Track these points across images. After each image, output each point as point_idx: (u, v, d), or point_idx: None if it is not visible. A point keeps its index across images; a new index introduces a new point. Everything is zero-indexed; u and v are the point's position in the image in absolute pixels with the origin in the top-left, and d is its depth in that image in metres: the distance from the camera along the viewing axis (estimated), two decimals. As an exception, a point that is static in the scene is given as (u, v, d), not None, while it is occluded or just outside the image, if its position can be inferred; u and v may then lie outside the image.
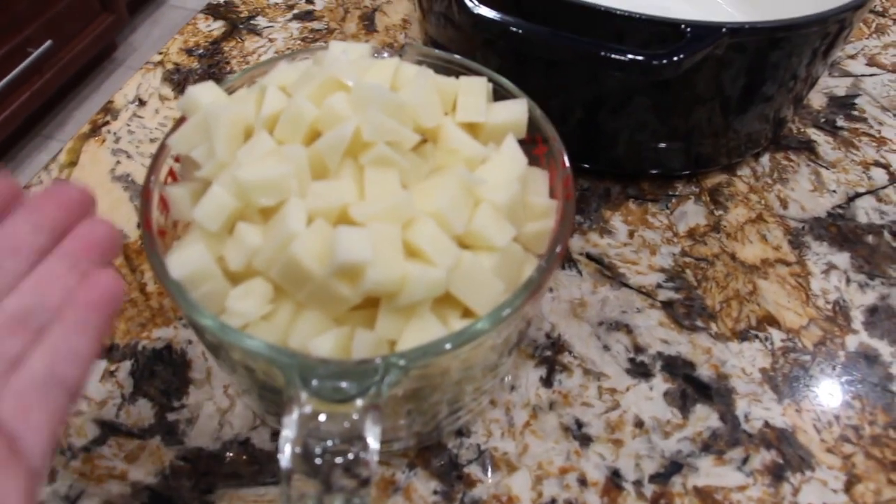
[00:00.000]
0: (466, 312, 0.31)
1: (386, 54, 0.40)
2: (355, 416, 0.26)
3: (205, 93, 0.36)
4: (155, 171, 0.35)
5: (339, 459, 0.26)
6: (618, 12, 0.44)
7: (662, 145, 0.53)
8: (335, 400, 0.27)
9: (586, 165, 0.55)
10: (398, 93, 0.34)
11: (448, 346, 0.28)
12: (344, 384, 0.27)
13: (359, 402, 0.26)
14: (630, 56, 0.41)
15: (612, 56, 0.42)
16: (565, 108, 0.52)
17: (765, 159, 0.58)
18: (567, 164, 0.35)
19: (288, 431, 0.26)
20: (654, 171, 0.55)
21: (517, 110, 0.37)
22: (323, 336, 0.29)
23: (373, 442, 0.26)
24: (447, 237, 0.30)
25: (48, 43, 1.76)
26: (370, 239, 0.28)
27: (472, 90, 0.37)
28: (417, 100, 0.33)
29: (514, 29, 0.44)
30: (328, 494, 0.26)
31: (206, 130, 0.34)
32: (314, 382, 0.27)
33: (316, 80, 0.34)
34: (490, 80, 0.38)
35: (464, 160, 0.34)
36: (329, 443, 0.26)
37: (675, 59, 0.41)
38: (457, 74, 0.38)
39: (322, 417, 0.26)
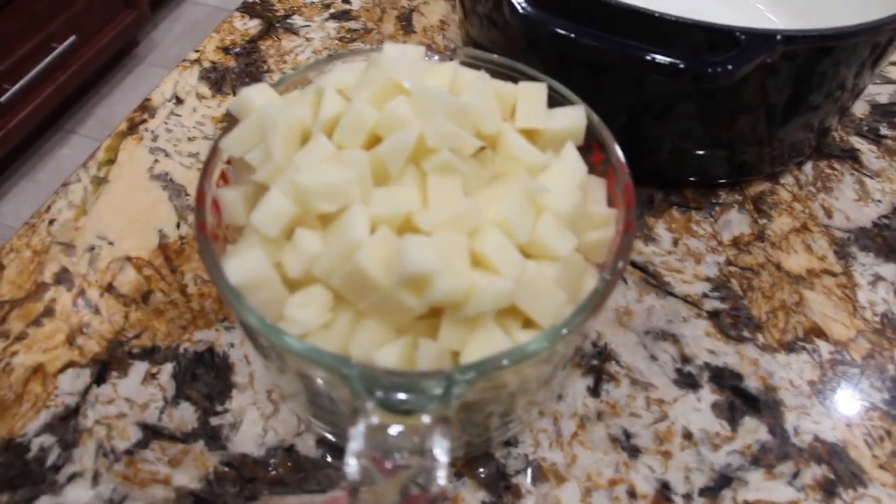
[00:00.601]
0: (527, 323, 0.31)
1: (437, 57, 0.39)
2: (423, 429, 0.26)
3: (259, 95, 0.36)
4: (208, 175, 0.35)
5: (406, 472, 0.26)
6: (669, 17, 0.43)
7: (706, 152, 0.52)
8: (401, 411, 0.26)
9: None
10: (459, 98, 0.33)
11: (512, 358, 0.27)
12: (411, 396, 0.26)
13: (426, 416, 0.26)
14: (684, 63, 0.41)
15: (666, 62, 0.41)
16: (608, 114, 0.51)
17: (808, 168, 0.57)
18: (627, 171, 0.35)
19: (355, 444, 0.26)
20: (697, 179, 0.55)
21: (576, 117, 0.37)
22: (387, 347, 0.29)
23: (441, 455, 0.26)
24: (513, 246, 0.30)
25: (72, 38, 1.77)
26: (438, 248, 0.28)
27: (532, 96, 0.36)
28: (478, 105, 0.33)
29: (565, 32, 0.43)
30: None
31: (261, 133, 0.34)
32: (379, 394, 0.26)
33: (376, 84, 0.34)
34: (547, 85, 0.38)
35: (525, 167, 0.33)
36: (397, 456, 0.26)
37: (730, 67, 0.41)
38: (511, 79, 0.38)
39: (391, 430, 0.26)
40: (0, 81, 1.63)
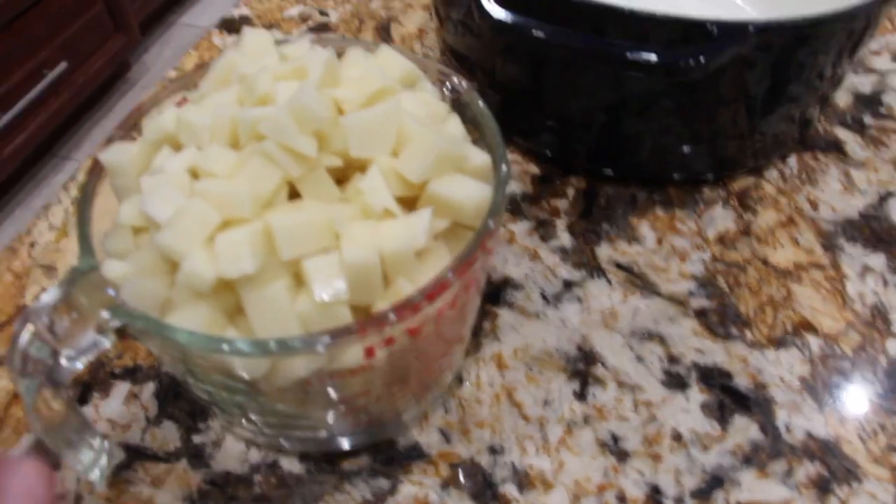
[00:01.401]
0: None
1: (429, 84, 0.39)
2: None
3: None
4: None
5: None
6: (639, 13, 0.43)
7: (687, 149, 0.52)
8: None
9: (609, 171, 0.54)
10: (333, 110, 0.33)
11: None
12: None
13: None
14: (656, 57, 0.40)
15: (638, 58, 0.41)
16: (587, 113, 0.51)
17: (792, 160, 0.56)
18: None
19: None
20: (680, 176, 0.54)
21: (475, 195, 0.33)
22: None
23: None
24: (252, 245, 0.29)
25: (63, 64, 1.77)
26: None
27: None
28: (357, 125, 0.32)
29: (536, 32, 0.43)
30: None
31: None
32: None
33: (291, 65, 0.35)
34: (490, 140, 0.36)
35: (362, 205, 0.32)
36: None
37: (703, 59, 0.40)
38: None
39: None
40: (-8, 110, 1.63)
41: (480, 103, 0.37)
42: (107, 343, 0.30)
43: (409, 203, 0.33)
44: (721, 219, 0.52)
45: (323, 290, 0.29)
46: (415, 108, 0.35)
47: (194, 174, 0.33)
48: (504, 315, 0.46)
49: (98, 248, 0.33)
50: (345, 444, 0.40)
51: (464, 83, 0.38)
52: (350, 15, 0.70)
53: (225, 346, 0.28)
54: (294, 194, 0.32)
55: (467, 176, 0.33)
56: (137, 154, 0.35)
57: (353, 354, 0.31)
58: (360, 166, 0.33)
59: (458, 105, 0.38)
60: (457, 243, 0.33)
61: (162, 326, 0.29)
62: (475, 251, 0.31)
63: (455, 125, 0.37)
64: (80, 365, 0.30)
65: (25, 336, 0.29)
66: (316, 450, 0.41)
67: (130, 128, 0.38)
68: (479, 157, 0.34)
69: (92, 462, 0.34)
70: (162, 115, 0.36)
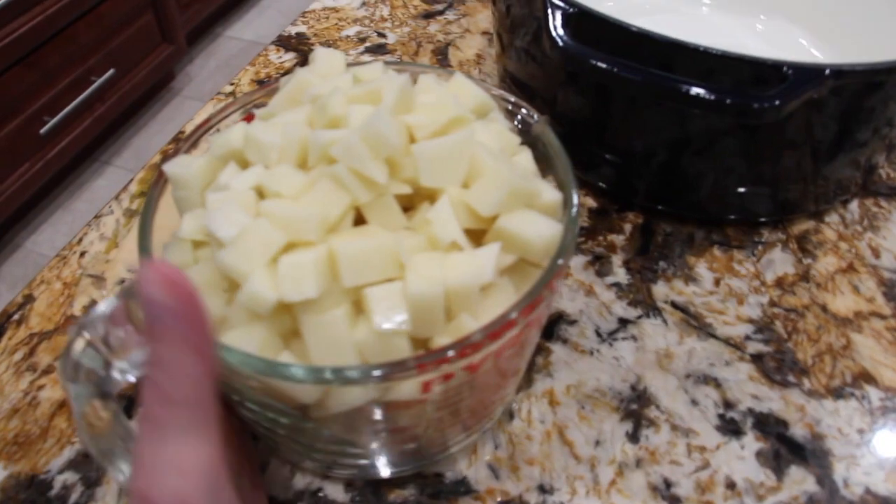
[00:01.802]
0: None
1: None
2: None
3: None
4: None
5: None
6: (713, 51, 0.42)
7: (748, 190, 0.51)
8: None
9: (665, 208, 0.54)
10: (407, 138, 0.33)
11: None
12: None
13: None
14: (730, 98, 0.40)
15: (711, 97, 0.40)
16: (648, 149, 0.50)
17: (854, 206, 0.55)
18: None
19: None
20: (739, 217, 0.53)
21: (545, 233, 0.32)
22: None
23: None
24: (315, 269, 0.29)
25: (111, 71, 1.80)
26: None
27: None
28: (429, 154, 0.32)
29: (606, 66, 0.42)
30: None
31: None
32: None
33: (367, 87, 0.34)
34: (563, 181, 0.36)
35: (428, 236, 0.31)
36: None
37: (777, 102, 0.39)
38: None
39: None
40: (41, 114, 1.66)
41: (553, 137, 0.36)
42: None
43: (476, 236, 0.32)
44: (780, 262, 0.51)
45: (383, 320, 0.29)
46: (488, 140, 0.34)
47: (260, 193, 0.32)
48: (557, 350, 0.45)
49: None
50: (388, 472, 0.40)
51: (535, 115, 0.37)
52: (408, 37, 0.70)
53: (280, 370, 0.28)
54: (360, 220, 0.32)
55: (537, 212, 0.32)
56: (203, 168, 0.35)
57: (409, 388, 0.30)
58: (429, 195, 0.32)
59: (528, 137, 0.37)
60: (522, 280, 0.32)
61: (217, 346, 0.29)
62: (542, 290, 0.30)
63: (526, 159, 0.36)
64: (131, 378, 0.30)
65: (80, 344, 0.29)
66: (361, 476, 0.40)
67: (195, 141, 0.38)
68: (551, 194, 0.34)
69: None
70: (230, 130, 0.36)
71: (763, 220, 0.53)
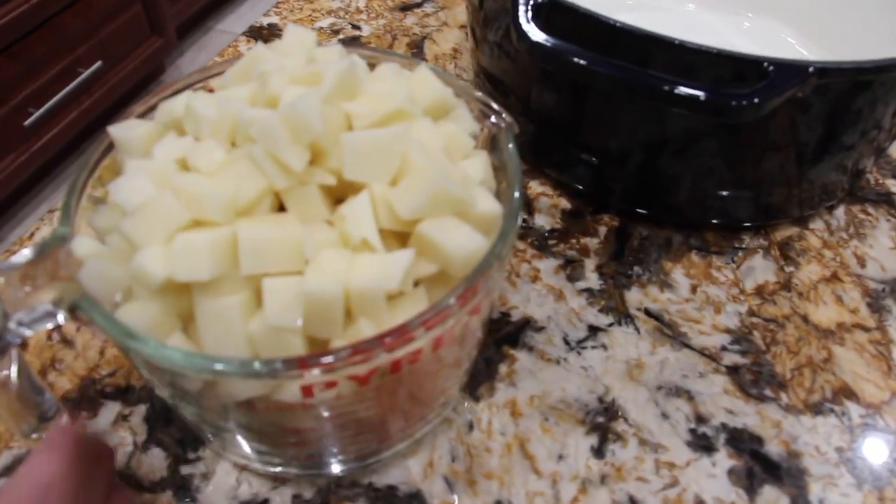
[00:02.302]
0: None
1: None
2: None
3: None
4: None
5: None
6: (691, 45, 0.40)
7: (729, 193, 0.48)
8: None
9: (642, 211, 0.51)
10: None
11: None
12: None
13: None
14: (707, 95, 0.37)
15: (687, 94, 0.38)
16: (625, 149, 0.48)
17: (840, 212, 0.53)
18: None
19: None
20: (719, 221, 0.51)
21: (466, 246, 0.29)
22: None
23: None
24: (213, 251, 0.27)
25: (98, 63, 1.77)
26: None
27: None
28: (356, 145, 0.30)
29: (578, 60, 0.40)
30: None
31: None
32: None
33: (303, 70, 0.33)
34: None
35: (341, 232, 0.29)
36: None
37: (757, 100, 0.37)
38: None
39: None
40: (25, 105, 1.63)
41: (511, 146, 0.34)
42: (60, 318, 0.29)
43: (402, 239, 0.30)
44: (760, 269, 0.49)
45: (276, 315, 0.27)
46: (431, 139, 0.32)
47: (183, 166, 0.31)
48: (522, 358, 0.43)
49: (87, 223, 0.32)
50: (337, 470, 0.38)
51: (505, 119, 0.35)
52: (383, 30, 0.68)
53: (146, 348, 0.27)
54: (284, 208, 0.30)
55: (465, 223, 0.30)
56: (146, 133, 0.34)
57: (289, 391, 0.28)
58: (359, 190, 0.30)
59: (494, 142, 0.35)
60: (442, 293, 0.29)
61: (100, 312, 0.28)
62: (449, 307, 0.27)
63: (477, 165, 0.34)
64: (28, 332, 0.29)
65: None
66: (309, 472, 0.38)
67: (151, 108, 0.37)
68: (487, 205, 0.31)
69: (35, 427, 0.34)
70: (175, 99, 0.35)
71: (744, 225, 0.51)
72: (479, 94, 0.36)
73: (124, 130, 0.34)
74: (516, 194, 0.32)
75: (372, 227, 0.29)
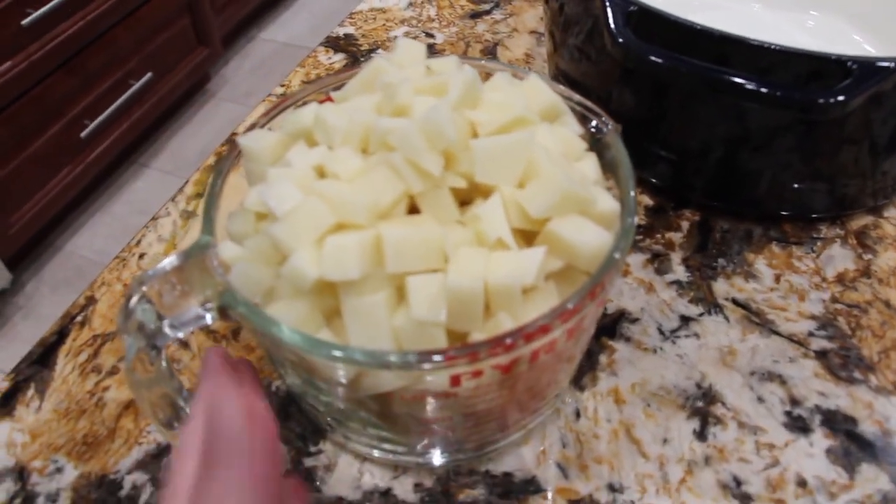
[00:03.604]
0: None
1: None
2: None
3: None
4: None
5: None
6: (773, 46, 0.42)
7: (806, 186, 0.50)
8: None
9: (717, 204, 0.53)
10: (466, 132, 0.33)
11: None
12: None
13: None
14: (794, 94, 0.39)
15: (777, 94, 0.40)
16: (704, 145, 0.50)
17: (912, 200, 0.55)
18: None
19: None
20: (796, 213, 0.53)
21: (594, 242, 0.31)
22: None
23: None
24: (360, 252, 0.30)
25: (149, 75, 1.81)
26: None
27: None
28: (486, 151, 0.32)
29: (668, 62, 0.42)
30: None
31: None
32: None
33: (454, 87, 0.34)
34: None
35: (476, 231, 0.32)
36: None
37: (843, 98, 0.39)
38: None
39: None
40: (81, 117, 1.67)
41: (621, 147, 0.36)
42: (209, 319, 0.32)
43: (528, 238, 0.32)
44: (840, 258, 0.51)
45: (421, 310, 0.29)
46: (550, 143, 0.34)
47: (320, 173, 0.33)
48: (621, 349, 0.45)
49: (222, 229, 0.34)
50: (457, 458, 0.40)
51: (609, 124, 0.37)
52: (456, 37, 0.70)
53: (307, 345, 0.29)
54: (414, 209, 0.33)
55: (590, 220, 0.32)
56: (274, 143, 0.36)
57: (438, 380, 0.31)
58: (486, 192, 0.33)
59: (598, 145, 0.37)
60: (569, 287, 0.32)
61: (256, 313, 0.30)
62: (583, 299, 0.30)
63: (590, 166, 0.36)
64: (181, 334, 0.32)
65: (136, 298, 0.30)
66: (429, 462, 0.41)
67: (273, 117, 0.39)
68: (607, 203, 0.34)
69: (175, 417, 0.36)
70: (303, 110, 0.37)
71: (821, 215, 0.53)
72: (582, 98, 0.38)
73: (253, 140, 0.36)
74: (632, 192, 0.34)
75: (505, 227, 0.31)
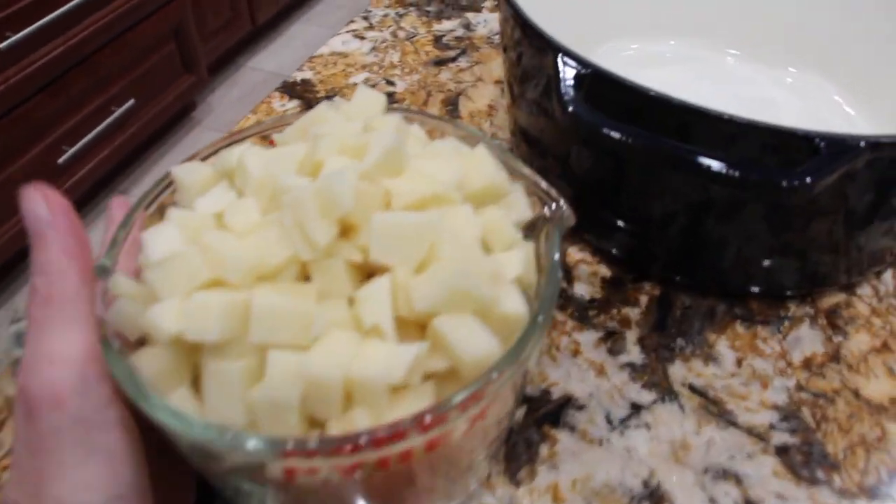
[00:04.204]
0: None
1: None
2: None
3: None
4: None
5: None
6: (736, 119, 0.39)
7: (774, 261, 0.47)
8: None
9: (678, 277, 0.50)
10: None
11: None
12: None
13: None
14: (755, 175, 0.36)
15: (734, 174, 0.36)
16: (666, 215, 0.47)
17: (888, 276, 0.52)
18: None
19: None
20: (763, 289, 0.49)
21: (478, 349, 0.28)
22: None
23: None
24: (224, 314, 0.27)
25: (131, 102, 1.79)
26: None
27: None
28: (382, 228, 0.28)
29: (617, 135, 0.39)
30: None
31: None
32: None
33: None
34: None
35: (354, 314, 0.28)
36: None
37: (809, 180, 0.36)
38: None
39: None
40: (60, 142, 1.65)
41: (556, 241, 0.32)
42: None
43: (424, 330, 0.29)
44: (808, 340, 0.47)
45: (274, 388, 0.26)
46: (465, 228, 0.30)
47: (221, 221, 0.31)
48: (564, 439, 0.42)
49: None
50: None
51: (565, 211, 0.33)
52: (418, 86, 0.67)
53: (135, 395, 0.27)
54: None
55: (482, 324, 0.28)
56: (203, 178, 0.34)
57: (274, 468, 0.27)
58: (386, 271, 0.29)
59: (547, 232, 0.34)
60: (452, 390, 0.27)
61: (108, 349, 0.28)
62: (448, 411, 0.26)
63: (516, 258, 0.32)
64: None
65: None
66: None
67: (215, 151, 0.36)
68: (513, 307, 0.29)
69: None
70: (234, 148, 0.34)
71: (790, 293, 0.50)
72: (540, 181, 0.34)
73: (185, 172, 0.34)
74: (549, 296, 0.30)
75: (387, 314, 0.28)
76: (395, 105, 0.38)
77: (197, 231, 0.30)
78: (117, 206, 0.34)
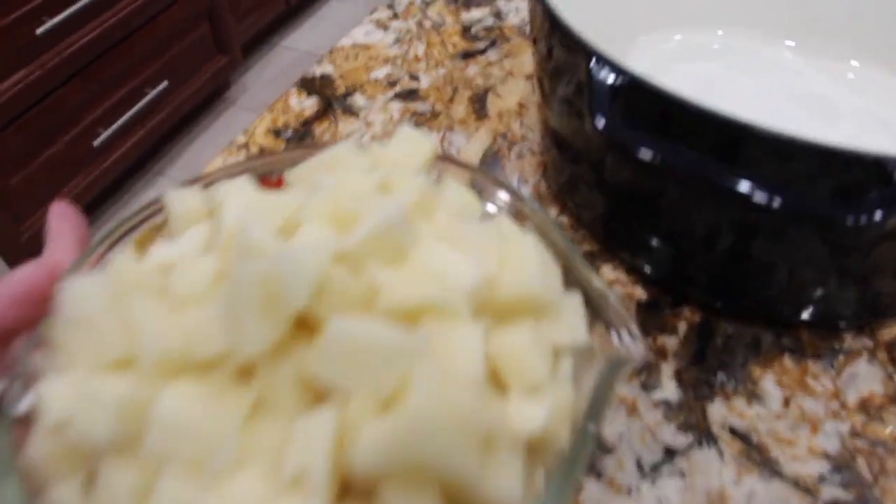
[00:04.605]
0: None
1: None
2: None
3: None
4: None
5: None
6: (794, 140, 0.34)
7: (828, 287, 0.42)
8: None
9: (720, 303, 0.45)
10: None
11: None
12: None
13: None
14: (813, 210, 0.31)
15: (787, 209, 0.32)
16: (707, 235, 0.42)
17: (956, 304, 0.46)
18: None
19: None
20: (815, 319, 0.45)
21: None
22: None
23: None
24: (115, 412, 0.22)
25: (165, 83, 1.77)
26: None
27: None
28: (336, 342, 0.21)
29: (652, 156, 0.35)
30: None
31: None
32: None
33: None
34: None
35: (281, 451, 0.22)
36: None
37: (879, 216, 0.31)
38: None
39: None
40: (95, 126, 1.64)
41: (608, 394, 0.24)
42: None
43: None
44: (865, 377, 0.43)
45: None
46: (463, 358, 0.23)
47: (165, 279, 0.25)
48: (590, 488, 0.38)
49: None
50: None
51: (636, 346, 0.25)
52: (443, 81, 0.63)
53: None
54: None
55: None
56: (193, 210, 0.28)
57: None
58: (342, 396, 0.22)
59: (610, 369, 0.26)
60: None
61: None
62: None
63: (540, 409, 0.23)
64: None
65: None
66: None
67: (213, 181, 0.31)
68: (504, 489, 0.22)
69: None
70: (221, 186, 0.29)
71: (845, 323, 0.45)
72: (609, 294, 0.26)
73: (176, 199, 0.29)
74: (563, 478, 0.22)
75: (320, 463, 0.20)
76: (447, 156, 0.30)
77: (130, 289, 0.24)
78: (57, 214, 0.30)
